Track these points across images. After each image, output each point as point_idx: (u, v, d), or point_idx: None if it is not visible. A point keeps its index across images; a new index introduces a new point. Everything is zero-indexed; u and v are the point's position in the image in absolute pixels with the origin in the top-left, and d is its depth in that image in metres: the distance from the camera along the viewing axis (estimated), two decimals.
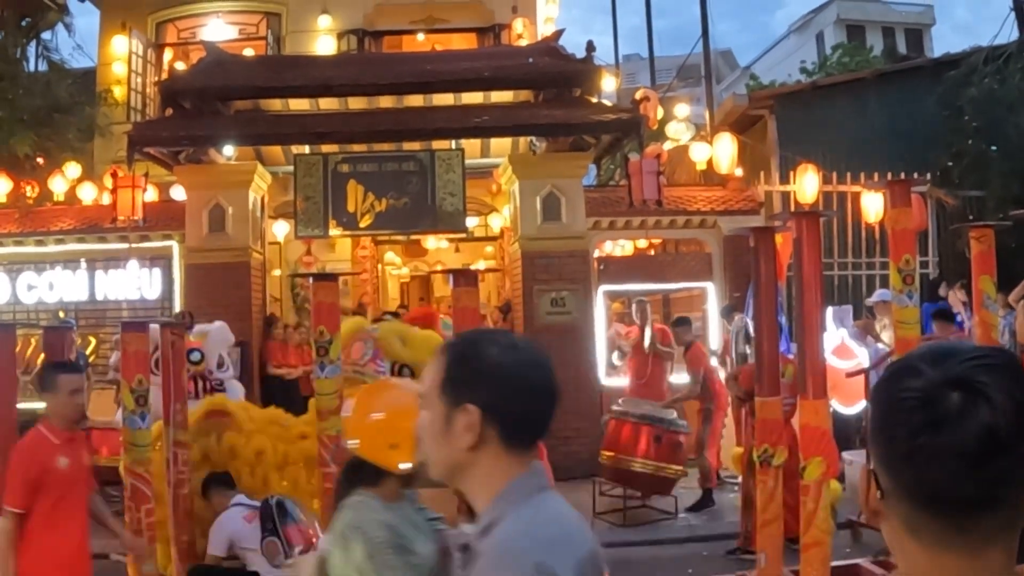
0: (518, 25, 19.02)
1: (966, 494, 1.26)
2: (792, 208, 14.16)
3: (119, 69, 19.18)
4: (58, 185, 16.20)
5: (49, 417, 5.71)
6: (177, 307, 14.43)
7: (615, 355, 13.42)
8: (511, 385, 1.92)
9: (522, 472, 1.93)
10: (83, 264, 14.94)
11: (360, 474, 3.81)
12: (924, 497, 1.29)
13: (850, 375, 10.90)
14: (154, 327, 8.41)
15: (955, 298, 13.06)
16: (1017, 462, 1.25)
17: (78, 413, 5.83)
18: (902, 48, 39.65)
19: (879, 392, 1.35)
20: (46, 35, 19.92)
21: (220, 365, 10.63)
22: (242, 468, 8.18)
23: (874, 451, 1.35)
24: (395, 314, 15.14)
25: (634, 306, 12.94)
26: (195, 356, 9.40)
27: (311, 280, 7.75)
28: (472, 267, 17.95)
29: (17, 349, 9.34)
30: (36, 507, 5.58)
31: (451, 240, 19.16)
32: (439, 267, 19.96)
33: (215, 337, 9.83)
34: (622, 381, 13.10)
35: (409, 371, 8.45)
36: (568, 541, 1.85)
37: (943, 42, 47.63)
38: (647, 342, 12.50)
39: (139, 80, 19.22)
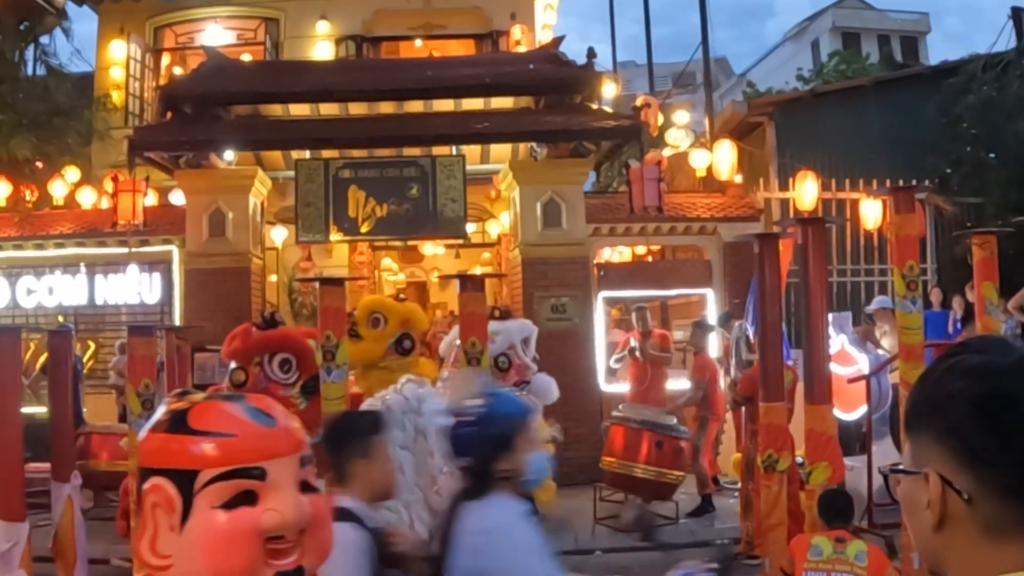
0: (516, 32, 19.03)
1: None
2: (791, 215, 14.20)
3: (117, 74, 19.19)
4: (58, 189, 16.14)
5: None
6: (177, 312, 14.43)
7: (612, 359, 13.37)
8: None
9: None
10: (83, 268, 14.90)
11: None
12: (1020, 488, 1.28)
13: (851, 381, 10.92)
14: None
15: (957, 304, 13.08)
16: None
17: None
18: (897, 56, 39.76)
19: (960, 389, 1.31)
20: (44, 39, 19.85)
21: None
22: None
23: (951, 451, 1.31)
24: None
25: (634, 313, 12.90)
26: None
27: (318, 285, 7.76)
28: (471, 273, 17.94)
29: None
30: None
31: (448, 246, 19.17)
32: (436, 273, 19.93)
33: (511, 327, 9.50)
34: (623, 387, 13.08)
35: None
36: None
37: (936, 50, 47.72)
38: (632, 347, 12.46)
39: (137, 85, 19.24)
